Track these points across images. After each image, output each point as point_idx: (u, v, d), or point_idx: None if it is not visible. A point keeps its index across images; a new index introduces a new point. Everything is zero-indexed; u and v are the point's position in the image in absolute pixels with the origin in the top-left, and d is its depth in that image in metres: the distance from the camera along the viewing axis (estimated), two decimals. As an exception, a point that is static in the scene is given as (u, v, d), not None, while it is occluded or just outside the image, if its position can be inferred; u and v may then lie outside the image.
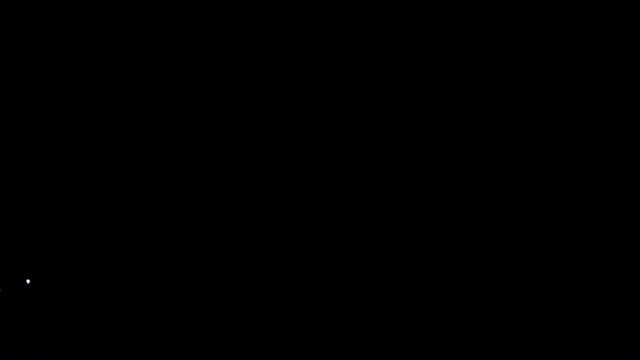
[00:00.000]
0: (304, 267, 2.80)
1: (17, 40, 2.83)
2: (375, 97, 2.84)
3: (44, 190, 2.82)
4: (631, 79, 2.78)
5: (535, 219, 2.78)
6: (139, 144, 2.84)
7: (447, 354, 2.73)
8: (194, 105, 2.85)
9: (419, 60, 2.83)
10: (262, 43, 2.85)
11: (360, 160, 2.82)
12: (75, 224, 2.82)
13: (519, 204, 2.79)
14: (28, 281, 2.77)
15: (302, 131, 2.83)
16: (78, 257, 2.81)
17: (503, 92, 2.82)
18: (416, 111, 2.83)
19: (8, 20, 2.82)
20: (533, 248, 2.77)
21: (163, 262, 2.80)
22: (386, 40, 2.83)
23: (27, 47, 2.84)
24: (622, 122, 2.78)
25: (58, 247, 2.81)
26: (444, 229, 2.80)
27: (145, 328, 2.76)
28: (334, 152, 2.83)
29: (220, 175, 2.83)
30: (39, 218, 2.82)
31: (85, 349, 2.75)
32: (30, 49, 2.84)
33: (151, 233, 2.81)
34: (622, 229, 2.75)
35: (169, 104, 2.85)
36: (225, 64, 2.85)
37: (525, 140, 2.80)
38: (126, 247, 2.81)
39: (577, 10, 2.79)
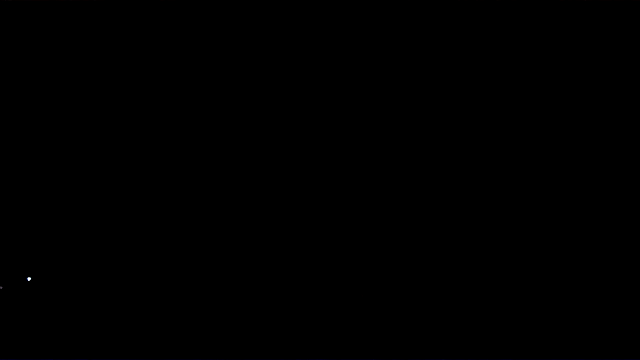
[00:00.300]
0: (304, 267, 2.80)
1: (17, 40, 2.83)
2: (376, 97, 2.84)
3: (44, 190, 2.82)
4: (631, 79, 2.78)
5: (536, 219, 2.78)
6: (139, 144, 2.84)
7: (447, 354, 2.73)
8: (194, 106, 2.85)
9: (419, 61, 2.83)
10: (262, 43, 2.85)
11: (361, 160, 2.82)
12: (75, 223, 2.82)
13: (519, 204, 2.79)
14: (29, 279, 2.77)
15: (302, 131, 2.83)
16: (78, 257, 2.81)
17: (503, 93, 2.82)
18: (416, 111, 2.83)
19: (8, 21, 2.82)
20: (533, 248, 2.77)
21: (163, 262, 2.80)
22: (386, 41, 2.83)
23: (27, 47, 2.84)
24: (622, 122, 2.78)
25: (58, 247, 2.81)
26: (444, 229, 2.79)
27: (145, 328, 2.76)
28: (334, 152, 2.83)
29: (220, 176, 2.83)
30: (39, 217, 2.82)
31: (85, 349, 2.75)
32: (30, 49, 2.84)
33: (151, 233, 2.81)
34: (622, 229, 2.75)
35: (169, 104, 2.84)
36: (225, 64, 2.85)
37: (526, 140, 2.80)
38: (126, 247, 2.81)
39: (577, 10, 2.79)
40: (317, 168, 2.82)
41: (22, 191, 2.82)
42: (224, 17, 2.84)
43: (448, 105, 2.82)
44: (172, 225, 2.82)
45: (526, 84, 2.81)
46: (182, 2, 2.84)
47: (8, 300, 2.77)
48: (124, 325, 2.76)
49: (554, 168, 2.79)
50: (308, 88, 2.84)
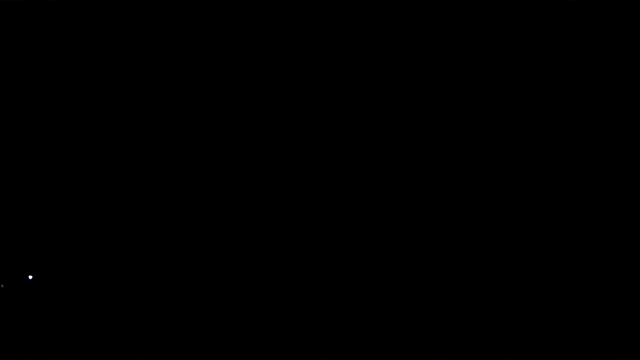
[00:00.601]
0: (304, 267, 2.80)
1: (17, 40, 2.84)
2: (376, 97, 2.84)
3: (44, 190, 2.83)
4: (631, 79, 2.78)
5: (536, 219, 2.78)
6: (139, 144, 2.84)
7: (447, 354, 2.73)
8: (194, 105, 2.85)
9: (419, 61, 2.83)
10: (262, 43, 2.85)
11: (361, 160, 2.82)
12: (75, 223, 2.82)
13: (519, 204, 2.79)
14: (30, 277, 2.77)
15: (303, 131, 2.83)
16: (78, 256, 2.81)
17: (503, 92, 2.82)
18: (416, 111, 2.83)
19: (8, 20, 2.82)
20: (533, 248, 2.77)
21: (163, 262, 2.80)
22: (386, 41, 2.83)
23: (27, 47, 2.84)
24: (622, 122, 2.78)
25: (59, 247, 2.81)
26: (444, 229, 2.80)
27: (145, 328, 2.76)
28: (334, 152, 2.83)
29: (220, 175, 2.83)
30: (40, 217, 2.82)
31: (85, 349, 2.75)
32: (30, 49, 2.84)
33: (151, 233, 2.82)
34: (622, 229, 2.75)
35: (169, 104, 2.85)
36: (225, 64, 2.85)
37: (526, 140, 2.80)
38: (126, 247, 2.81)
39: (577, 10, 2.79)
40: (317, 168, 2.82)
41: (22, 191, 2.82)
42: (224, 17, 2.84)
43: (448, 106, 2.82)
44: (172, 225, 2.82)
45: (526, 84, 2.82)
46: (182, 2, 2.84)
47: (8, 300, 2.77)
48: (124, 325, 2.76)
49: (554, 168, 2.79)
50: (308, 88, 2.84)
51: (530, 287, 2.75)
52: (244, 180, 2.83)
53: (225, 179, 2.83)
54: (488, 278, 2.76)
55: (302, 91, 2.84)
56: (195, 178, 2.83)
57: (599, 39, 2.79)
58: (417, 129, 2.82)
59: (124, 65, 2.85)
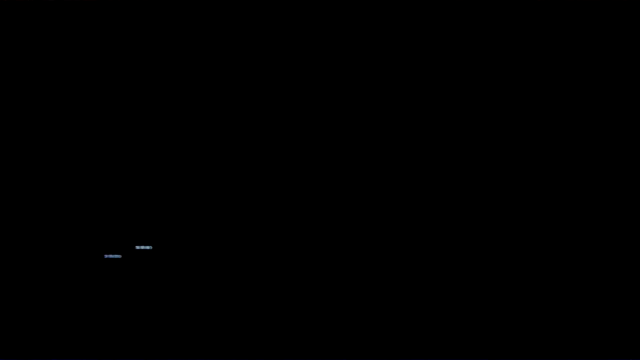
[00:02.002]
0: (304, 267, 2.80)
1: (17, 40, 2.84)
2: (376, 97, 2.84)
3: (44, 189, 2.82)
4: (631, 79, 2.78)
5: (536, 220, 2.78)
6: (139, 144, 2.84)
7: (447, 354, 2.73)
8: (194, 106, 2.85)
9: (419, 61, 2.83)
10: (262, 43, 2.85)
11: (361, 160, 2.82)
12: (74, 222, 2.82)
13: (519, 204, 2.79)
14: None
15: (303, 131, 2.83)
16: (78, 256, 2.81)
17: (503, 92, 2.82)
18: (416, 111, 2.83)
19: (8, 20, 2.82)
20: (533, 248, 2.77)
21: (163, 262, 2.80)
22: (386, 41, 2.83)
23: (27, 47, 2.84)
24: (622, 122, 2.78)
25: (58, 246, 2.81)
26: (444, 229, 2.79)
27: (145, 328, 2.76)
28: (334, 152, 2.83)
29: (221, 176, 2.83)
30: (40, 217, 2.82)
31: (86, 349, 2.75)
32: (30, 49, 2.84)
33: (151, 232, 2.81)
34: (622, 229, 2.75)
35: (169, 104, 2.84)
36: (225, 64, 2.85)
37: (526, 140, 2.80)
38: (127, 247, 2.81)
39: (577, 10, 2.79)
40: (316, 168, 2.82)
41: (22, 191, 2.82)
42: (224, 17, 2.84)
43: (448, 106, 2.82)
44: (172, 225, 2.82)
45: (526, 84, 2.82)
46: (182, 2, 2.84)
47: (8, 300, 2.77)
48: (124, 325, 2.76)
49: (554, 168, 2.79)
50: (308, 88, 2.84)
51: (530, 287, 2.75)
52: (244, 180, 2.83)
53: (225, 179, 2.83)
54: (488, 278, 2.76)
55: (302, 91, 2.84)
56: (194, 177, 2.83)
57: (599, 39, 2.79)
58: (417, 129, 2.82)
59: (124, 65, 2.85)
